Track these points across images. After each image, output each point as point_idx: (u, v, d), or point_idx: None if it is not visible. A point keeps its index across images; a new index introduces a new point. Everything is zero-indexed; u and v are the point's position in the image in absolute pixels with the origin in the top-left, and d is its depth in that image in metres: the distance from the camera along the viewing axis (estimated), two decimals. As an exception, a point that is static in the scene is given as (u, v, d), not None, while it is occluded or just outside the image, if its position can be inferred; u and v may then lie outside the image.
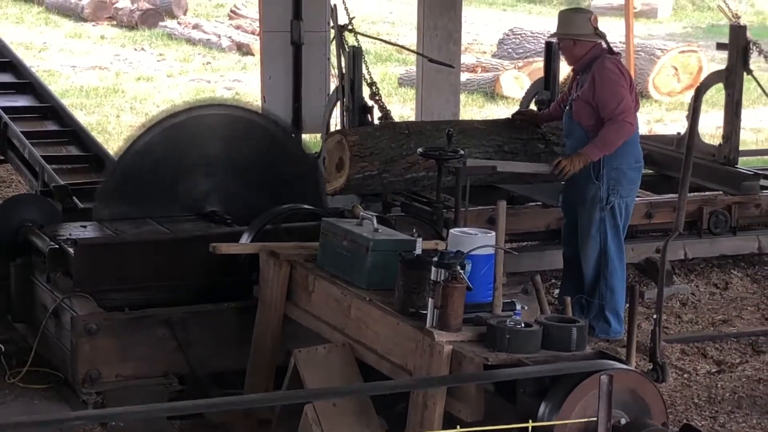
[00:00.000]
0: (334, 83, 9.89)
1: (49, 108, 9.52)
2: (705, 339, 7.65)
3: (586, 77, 7.36)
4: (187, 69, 18.25)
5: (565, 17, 7.59)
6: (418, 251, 5.19)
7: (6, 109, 9.32)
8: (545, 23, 23.79)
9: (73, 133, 9.09)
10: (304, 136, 10.47)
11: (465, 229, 5.17)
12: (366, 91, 8.94)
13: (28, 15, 23.14)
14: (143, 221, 6.77)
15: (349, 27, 9.31)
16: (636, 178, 7.51)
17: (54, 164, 8.28)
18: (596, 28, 7.42)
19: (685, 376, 7.07)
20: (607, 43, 7.50)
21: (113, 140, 11.70)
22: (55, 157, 8.53)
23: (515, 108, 9.64)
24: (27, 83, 9.95)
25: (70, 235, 6.54)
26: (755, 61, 9.38)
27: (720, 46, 9.72)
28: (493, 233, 4.92)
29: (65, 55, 19.13)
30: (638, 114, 7.55)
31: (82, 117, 12.31)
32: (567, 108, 7.57)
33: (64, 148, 8.95)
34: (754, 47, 9.24)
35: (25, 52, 18.10)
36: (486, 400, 4.59)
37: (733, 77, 9.22)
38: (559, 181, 8.19)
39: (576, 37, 7.40)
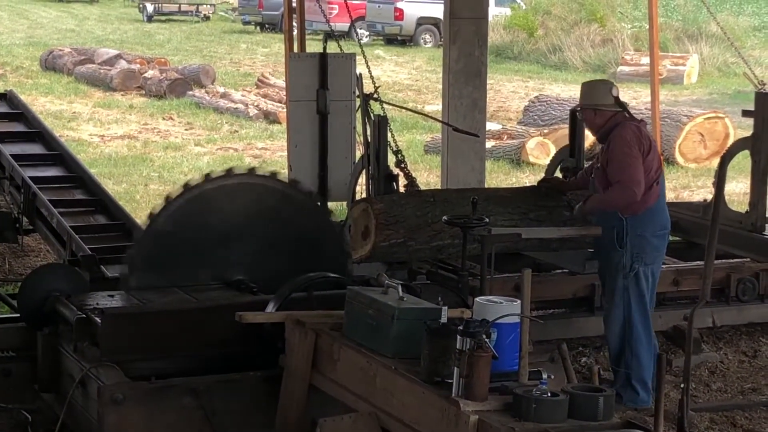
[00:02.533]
0: (359, 151, 9.94)
1: (77, 177, 9.60)
2: (734, 408, 7.58)
3: (606, 146, 7.42)
4: (215, 137, 18.38)
5: (586, 88, 7.67)
6: (444, 320, 5.17)
7: (35, 179, 9.41)
8: (570, 90, 23.89)
9: (100, 202, 9.16)
10: (329, 204, 10.46)
11: (490, 297, 5.16)
12: (391, 159, 8.97)
13: (58, 85, 23.39)
14: (170, 290, 6.78)
15: (375, 96, 9.36)
16: (660, 246, 7.48)
17: (81, 234, 8.33)
18: (617, 98, 7.46)
19: (715, 445, 7.01)
20: (628, 112, 7.53)
21: (141, 209, 11.76)
22: (83, 227, 8.58)
23: (541, 175, 9.65)
24: (57, 154, 10.05)
25: (97, 304, 6.56)
26: (781, 128, 9.37)
27: (746, 113, 9.72)
28: (519, 301, 4.92)
29: (94, 124, 19.31)
30: (665, 180, 7.53)
31: (110, 186, 12.40)
32: (592, 176, 7.62)
33: (91, 217, 9.01)
34: (780, 113, 9.24)
35: (55, 121, 18.29)
36: (513, 470, 4.56)
37: (759, 144, 9.21)
38: (585, 249, 8.19)
39: (596, 107, 7.46)
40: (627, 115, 7.49)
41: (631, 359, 7.48)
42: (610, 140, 7.37)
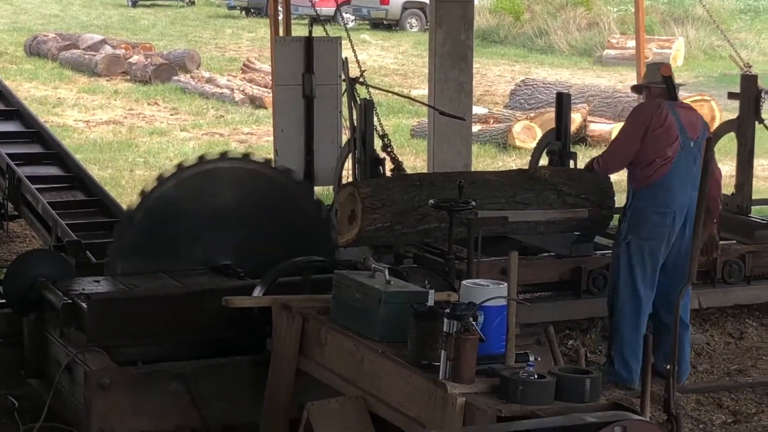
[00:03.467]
0: (345, 135, 9.93)
1: (55, 155, 9.63)
2: (720, 389, 7.61)
3: None
4: (201, 123, 18.35)
5: (646, 67, 8.21)
6: (431, 303, 5.18)
7: (13, 156, 9.42)
8: (557, 74, 23.91)
9: (78, 178, 9.18)
10: (316, 188, 10.45)
11: (477, 280, 5.16)
12: (378, 143, 8.96)
13: (42, 71, 23.33)
14: (156, 275, 6.77)
15: (361, 79, 9.35)
16: (660, 223, 7.44)
17: (59, 209, 8.32)
18: (666, 77, 7.66)
19: (701, 426, 7.03)
20: (673, 90, 7.69)
21: (127, 194, 11.74)
22: (68, 213, 8.58)
23: (527, 158, 9.66)
24: (35, 132, 10.07)
25: (83, 290, 6.54)
26: (767, 111, 9.40)
27: (731, 96, 9.74)
28: (506, 284, 4.92)
29: (79, 110, 19.26)
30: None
31: (95, 171, 12.37)
32: None
33: (70, 193, 9.03)
34: (766, 96, 9.26)
35: (40, 107, 18.24)
36: (499, 452, 4.57)
37: (745, 126, 9.24)
38: (571, 231, 8.22)
39: (646, 85, 7.75)
40: (670, 93, 7.64)
41: (613, 332, 7.56)
42: None
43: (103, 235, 7.63)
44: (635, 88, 8.15)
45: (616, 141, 7.78)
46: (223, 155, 6.91)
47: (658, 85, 7.63)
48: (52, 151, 9.82)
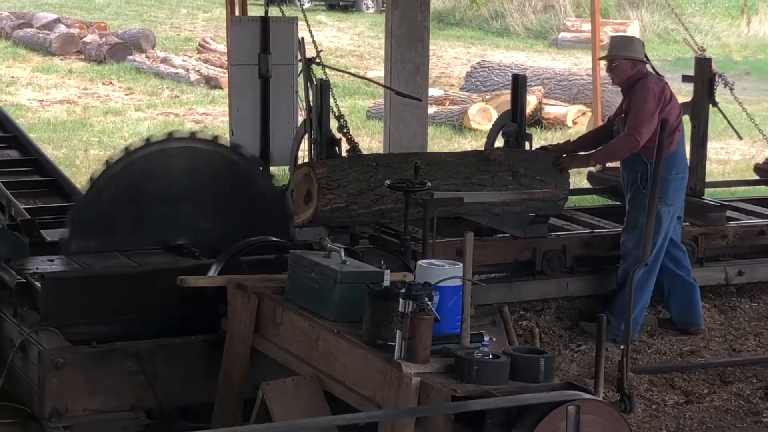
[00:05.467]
0: (301, 116, 9.91)
1: (12, 138, 9.53)
2: (673, 370, 7.68)
3: (630, 96, 8.07)
4: (156, 103, 18.25)
5: (623, 41, 8.57)
6: (386, 283, 5.18)
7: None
8: (512, 56, 23.94)
9: (35, 161, 9.09)
10: (271, 168, 10.44)
11: (433, 260, 5.17)
12: (334, 124, 8.95)
13: (-5, 49, 23.12)
14: (110, 255, 6.74)
15: (317, 60, 9.33)
16: (680, 188, 8.16)
17: (12, 189, 8.25)
18: (645, 54, 8.24)
19: (653, 406, 7.08)
20: (652, 67, 8.42)
21: (81, 174, 11.68)
22: (17, 183, 8.51)
23: (483, 140, 9.69)
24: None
25: (37, 269, 6.51)
26: (720, 94, 9.45)
27: (686, 79, 9.79)
28: (461, 265, 4.93)
29: (33, 89, 19.11)
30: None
31: (50, 151, 12.27)
32: (615, 128, 8.19)
33: (26, 175, 8.96)
34: (720, 79, 9.32)
35: (-7, 86, 18.09)
36: (454, 431, 4.59)
37: (698, 109, 9.29)
38: (526, 213, 8.25)
39: (637, 59, 8.12)
40: (652, 69, 8.29)
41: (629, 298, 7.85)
42: (635, 89, 8.02)
43: (59, 217, 7.56)
44: (621, 62, 8.12)
45: (642, 114, 7.91)
46: (170, 135, 6.88)
47: (644, 61, 8.18)
48: (9, 135, 9.72)
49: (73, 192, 8.43)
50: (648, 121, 7.92)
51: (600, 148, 8.27)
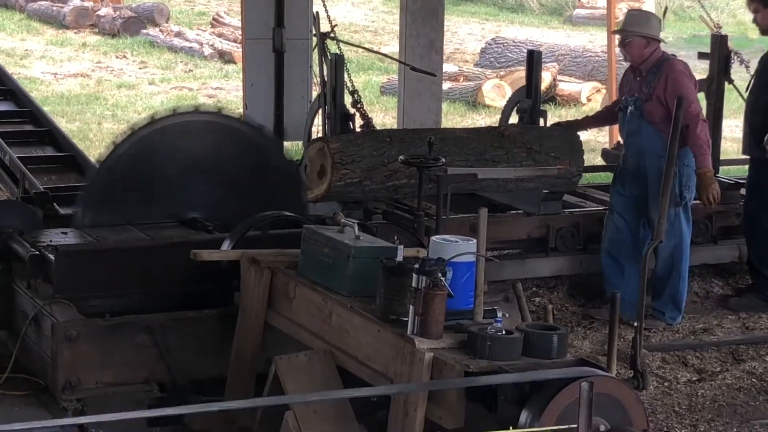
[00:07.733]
0: (316, 91, 9.89)
1: (28, 113, 9.50)
2: (686, 348, 7.67)
3: (654, 77, 7.75)
4: (169, 77, 18.22)
5: (640, 16, 8.20)
6: (400, 258, 5.18)
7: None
8: (527, 32, 23.86)
9: (49, 133, 9.08)
10: (285, 143, 10.43)
11: (446, 236, 5.16)
12: (348, 99, 8.93)
13: (10, 22, 23.07)
14: (124, 228, 6.75)
15: (332, 35, 9.31)
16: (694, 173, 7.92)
17: (30, 165, 8.25)
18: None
19: (666, 384, 7.08)
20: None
21: (94, 147, 11.66)
22: (32, 158, 8.50)
23: (496, 117, 9.67)
24: (8, 89, 9.92)
25: (50, 241, 6.52)
26: (736, 71, 9.41)
27: (701, 56, 9.74)
28: (474, 241, 4.93)
29: (47, 62, 19.09)
30: None
31: (63, 124, 12.27)
32: (632, 108, 7.84)
33: (40, 149, 8.93)
34: (735, 57, 9.28)
35: (7, 59, 18.06)
36: (467, 407, 4.59)
37: (714, 87, 9.25)
38: (540, 189, 8.24)
39: (652, 37, 7.81)
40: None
41: (678, 282, 7.94)
42: (666, 74, 7.71)
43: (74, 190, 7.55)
44: (635, 38, 7.81)
45: (690, 97, 7.73)
46: (196, 109, 6.88)
47: (659, 39, 7.89)
48: (26, 109, 9.70)
49: (89, 168, 8.42)
50: (697, 100, 7.85)
51: (698, 157, 7.75)
